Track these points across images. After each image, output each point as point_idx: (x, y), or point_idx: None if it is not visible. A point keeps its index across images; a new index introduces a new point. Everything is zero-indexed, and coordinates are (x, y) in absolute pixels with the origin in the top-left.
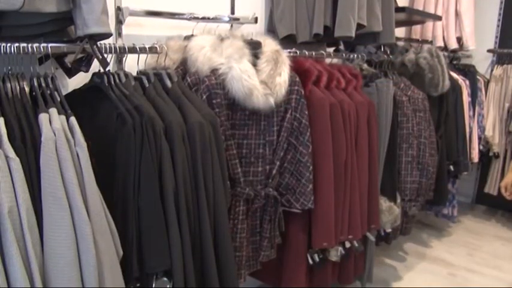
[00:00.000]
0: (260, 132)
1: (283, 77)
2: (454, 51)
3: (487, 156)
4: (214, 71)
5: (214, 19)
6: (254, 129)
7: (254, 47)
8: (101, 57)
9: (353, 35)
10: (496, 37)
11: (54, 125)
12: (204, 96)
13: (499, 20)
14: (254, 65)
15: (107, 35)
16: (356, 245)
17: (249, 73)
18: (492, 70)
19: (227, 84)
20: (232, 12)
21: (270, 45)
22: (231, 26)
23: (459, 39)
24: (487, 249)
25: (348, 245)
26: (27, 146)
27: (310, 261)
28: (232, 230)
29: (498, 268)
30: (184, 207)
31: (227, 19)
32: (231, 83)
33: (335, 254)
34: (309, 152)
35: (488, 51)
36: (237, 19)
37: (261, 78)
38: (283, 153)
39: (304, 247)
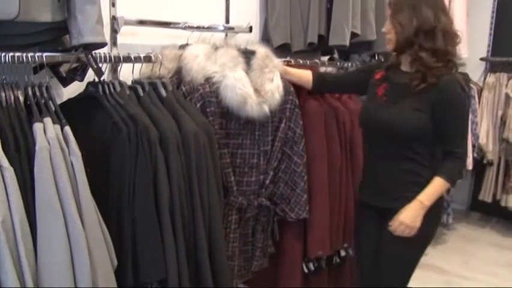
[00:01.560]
0: (254, 142)
1: (275, 83)
2: None
3: (481, 164)
4: (208, 79)
5: (209, 28)
6: (248, 138)
7: (248, 55)
8: (95, 66)
9: (347, 43)
10: (489, 46)
11: (48, 134)
12: (198, 105)
13: (491, 29)
14: (248, 73)
15: (102, 45)
16: (351, 253)
17: (243, 81)
18: (485, 78)
19: (221, 93)
20: (227, 21)
21: (259, 52)
22: (226, 35)
23: None
24: (482, 256)
25: (343, 253)
26: (21, 155)
27: (306, 270)
28: (224, 239)
29: (493, 275)
30: (179, 216)
31: (222, 28)
32: (225, 92)
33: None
34: (303, 161)
35: (481, 59)
36: (231, 28)
37: (255, 87)
38: (277, 163)
39: (300, 256)
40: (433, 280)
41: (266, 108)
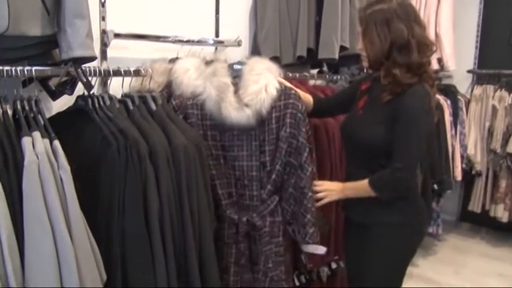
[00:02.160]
0: (252, 153)
1: (261, 83)
2: (435, 71)
3: (470, 175)
4: (194, 92)
5: (199, 42)
6: (245, 150)
7: (239, 66)
8: (85, 80)
9: (336, 57)
10: (475, 58)
11: (37, 148)
12: (181, 117)
13: (477, 42)
14: (236, 82)
15: (92, 59)
16: (342, 265)
17: (221, 88)
18: (472, 90)
19: (206, 104)
20: (217, 35)
21: (251, 60)
22: (216, 48)
23: (440, 60)
24: (472, 266)
25: (334, 265)
26: (10, 169)
27: (297, 283)
28: (217, 252)
29: (484, 285)
30: (169, 229)
31: (212, 42)
32: (207, 102)
33: (321, 274)
34: (307, 176)
35: (468, 71)
36: (221, 42)
37: (239, 91)
38: (275, 176)
39: (291, 268)
40: None
41: (248, 112)
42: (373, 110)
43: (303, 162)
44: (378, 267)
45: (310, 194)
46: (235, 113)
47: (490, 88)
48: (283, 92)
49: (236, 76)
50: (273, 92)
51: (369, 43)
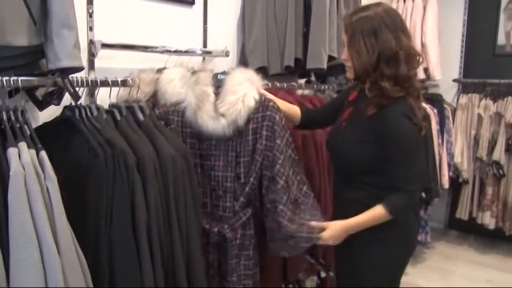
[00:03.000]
0: (228, 164)
1: (239, 93)
2: (421, 81)
3: (457, 182)
4: (177, 101)
5: (187, 52)
6: (221, 160)
7: (223, 76)
8: (72, 90)
9: (325, 67)
10: (460, 68)
11: (23, 159)
12: (162, 123)
13: (462, 52)
14: (218, 93)
15: (79, 69)
16: (331, 274)
17: (200, 97)
18: (458, 99)
19: (186, 112)
20: (205, 45)
21: (236, 70)
22: (204, 59)
23: (426, 70)
24: (461, 273)
25: (323, 274)
26: None
27: None
28: None
29: None
30: (157, 240)
31: (199, 52)
32: (187, 110)
33: (310, 283)
34: (277, 188)
35: (454, 81)
36: (209, 52)
37: (218, 101)
38: (251, 190)
39: (280, 278)
40: None
41: (223, 122)
42: (356, 123)
43: (275, 174)
44: (371, 281)
45: (280, 207)
46: (211, 123)
47: (476, 97)
48: (262, 104)
49: (219, 86)
50: (250, 103)
51: (356, 54)
